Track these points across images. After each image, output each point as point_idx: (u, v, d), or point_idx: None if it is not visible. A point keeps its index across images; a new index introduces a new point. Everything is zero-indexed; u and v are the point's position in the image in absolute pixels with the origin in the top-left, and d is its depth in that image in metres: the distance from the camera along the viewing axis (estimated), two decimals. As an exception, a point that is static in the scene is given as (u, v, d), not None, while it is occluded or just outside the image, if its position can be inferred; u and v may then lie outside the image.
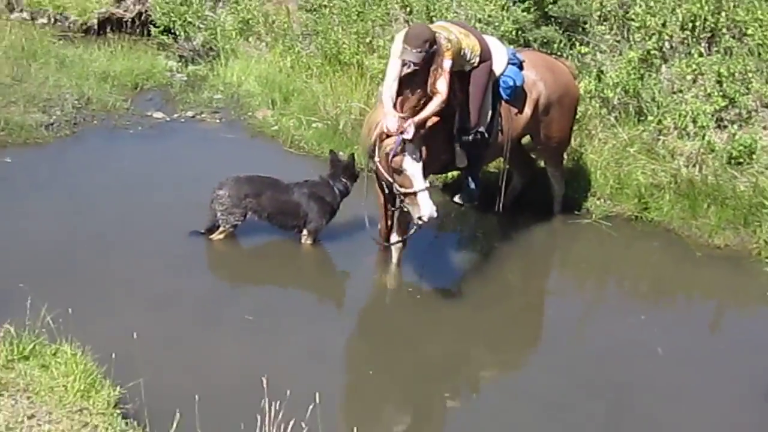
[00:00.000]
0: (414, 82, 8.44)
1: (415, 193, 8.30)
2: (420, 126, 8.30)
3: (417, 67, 8.27)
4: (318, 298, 9.04)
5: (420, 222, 8.40)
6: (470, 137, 8.81)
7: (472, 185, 9.14)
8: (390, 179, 8.44)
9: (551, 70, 9.64)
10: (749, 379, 7.84)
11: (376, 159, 8.54)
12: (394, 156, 8.22)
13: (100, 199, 10.00)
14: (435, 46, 8.28)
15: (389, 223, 9.21)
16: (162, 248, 9.17)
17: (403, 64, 8.32)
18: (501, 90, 9.05)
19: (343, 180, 9.51)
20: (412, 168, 8.26)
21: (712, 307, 9.37)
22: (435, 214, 8.33)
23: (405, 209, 8.55)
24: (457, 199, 9.34)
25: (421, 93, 8.41)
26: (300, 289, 9.11)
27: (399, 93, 8.44)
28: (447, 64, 8.40)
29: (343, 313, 8.90)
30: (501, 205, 9.63)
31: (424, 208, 8.28)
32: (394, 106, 8.35)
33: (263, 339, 8.00)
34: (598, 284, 9.75)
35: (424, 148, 8.36)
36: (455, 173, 9.93)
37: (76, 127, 11.78)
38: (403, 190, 8.37)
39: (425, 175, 8.47)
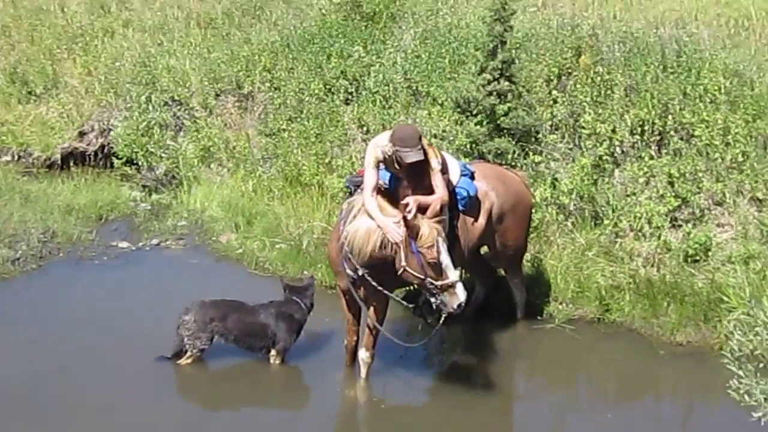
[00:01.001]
0: (402, 187, 8.73)
1: (453, 284, 8.39)
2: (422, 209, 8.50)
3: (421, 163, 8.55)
4: (288, 416, 9.08)
5: (454, 310, 8.48)
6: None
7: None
8: (422, 277, 8.45)
9: (502, 180, 9.84)
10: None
11: (402, 262, 8.51)
12: (430, 249, 8.33)
13: (67, 331, 10.04)
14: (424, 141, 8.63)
15: (355, 338, 9.30)
16: (131, 376, 9.21)
17: (406, 166, 8.57)
18: (456, 201, 9.19)
19: (308, 297, 9.61)
20: (447, 259, 8.38)
21: (676, 403, 9.46)
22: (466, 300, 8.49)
23: (435, 302, 8.57)
24: (420, 312, 9.31)
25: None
26: (270, 408, 9.18)
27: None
28: (436, 163, 8.72)
29: (314, 430, 8.91)
30: (470, 314, 9.71)
31: (462, 294, 8.39)
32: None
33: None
34: (566, 387, 9.77)
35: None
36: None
37: (41, 261, 11.86)
38: (439, 283, 8.40)
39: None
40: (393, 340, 9.17)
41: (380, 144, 8.77)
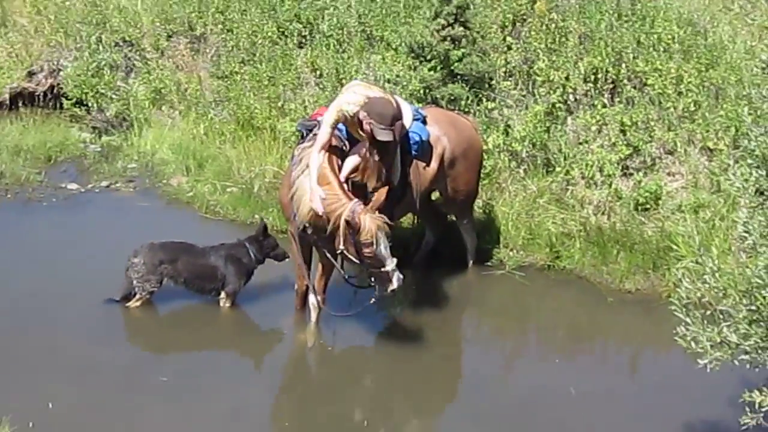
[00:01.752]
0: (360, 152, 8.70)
1: (389, 272, 8.48)
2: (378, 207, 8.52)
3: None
4: (238, 359, 9.07)
5: (388, 293, 8.63)
6: None
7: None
8: (358, 262, 8.59)
9: (454, 125, 9.80)
10: (660, 417, 8.05)
11: (340, 245, 8.53)
12: (368, 246, 8.37)
13: (14, 273, 9.93)
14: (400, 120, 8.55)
15: (306, 283, 9.27)
16: (79, 318, 9.14)
17: (376, 142, 8.44)
18: (409, 146, 9.15)
19: (259, 245, 9.56)
20: (386, 251, 8.43)
21: (624, 350, 9.55)
22: (402, 283, 8.55)
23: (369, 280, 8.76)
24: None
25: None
26: (219, 351, 9.14)
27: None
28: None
29: (264, 373, 8.96)
30: (420, 260, 9.67)
31: (396, 282, 8.51)
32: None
33: (184, 403, 8.01)
34: (515, 333, 9.85)
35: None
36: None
37: (-11, 202, 11.72)
38: (375, 270, 8.52)
39: None
40: (328, 311, 9.23)
41: (346, 108, 8.56)
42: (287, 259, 9.61)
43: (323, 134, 8.61)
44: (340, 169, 8.60)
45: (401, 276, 8.51)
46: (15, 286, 9.68)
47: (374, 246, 8.32)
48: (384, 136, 8.34)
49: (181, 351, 9.10)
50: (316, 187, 8.46)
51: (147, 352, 9.11)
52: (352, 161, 8.69)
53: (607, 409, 8.22)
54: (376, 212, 8.38)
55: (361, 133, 8.59)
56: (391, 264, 8.45)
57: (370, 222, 8.27)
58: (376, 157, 8.55)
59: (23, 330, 8.90)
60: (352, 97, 8.52)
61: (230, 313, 9.51)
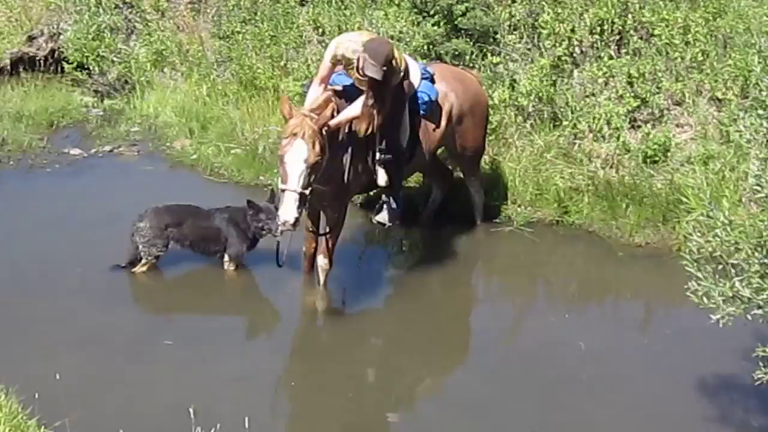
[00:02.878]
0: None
1: (283, 191, 8.12)
2: (335, 128, 8.34)
3: (375, 82, 8.30)
4: (245, 323, 9.06)
5: (281, 227, 8.26)
6: (391, 156, 8.81)
7: (394, 204, 9.09)
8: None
9: (460, 81, 9.70)
10: (671, 372, 8.00)
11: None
12: (283, 144, 8.12)
13: (19, 239, 9.88)
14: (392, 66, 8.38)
15: (314, 245, 9.22)
16: (84, 284, 9.08)
17: (362, 77, 8.32)
18: (417, 105, 9.07)
19: (261, 218, 9.41)
20: (293, 164, 8.05)
21: (635, 305, 9.46)
22: (291, 226, 8.09)
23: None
24: (379, 218, 9.21)
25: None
26: (226, 315, 9.11)
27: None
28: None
29: (271, 336, 8.91)
30: (428, 218, 9.54)
31: (283, 211, 8.08)
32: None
33: (191, 368, 7.95)
34: (524, 289, 9.79)
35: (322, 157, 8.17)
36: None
37: (-8, 169, 11.66)
38: (280, 185, 8.24)
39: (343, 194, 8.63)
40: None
41: (343, 44, 8.58)
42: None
43: (322, 68, 8.63)
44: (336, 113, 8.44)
45: (294, 217, 7.99)
46: (19, 253, 9.62)
47: (285, 146, 8.08)
48: (371, 71, 8.16)
49: (187, 315, 9.04)
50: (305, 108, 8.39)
51: (154, 317, 9.05)
52: (351, 109, 8.58)
53: (618, 364, 8.18)
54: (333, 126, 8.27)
55: (358, 76, 8.48)
56: (290, 185, 8.02)
57: (298, 120, 8.06)
58: (370, 101, 8.39)
59: (28, 298, 8.84)
60: (352, 34, 8.47)
61: (237, 278, 9.45)
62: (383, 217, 9.17)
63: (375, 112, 8.44)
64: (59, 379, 6.75)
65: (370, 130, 8.51)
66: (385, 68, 8.20)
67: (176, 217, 9.36)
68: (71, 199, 11.00)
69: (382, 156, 8.82)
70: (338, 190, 8.74)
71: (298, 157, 8.01)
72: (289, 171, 8.04)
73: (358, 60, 8.29)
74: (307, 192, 8.07)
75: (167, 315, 9.05)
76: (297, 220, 8.05)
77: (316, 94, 8.57)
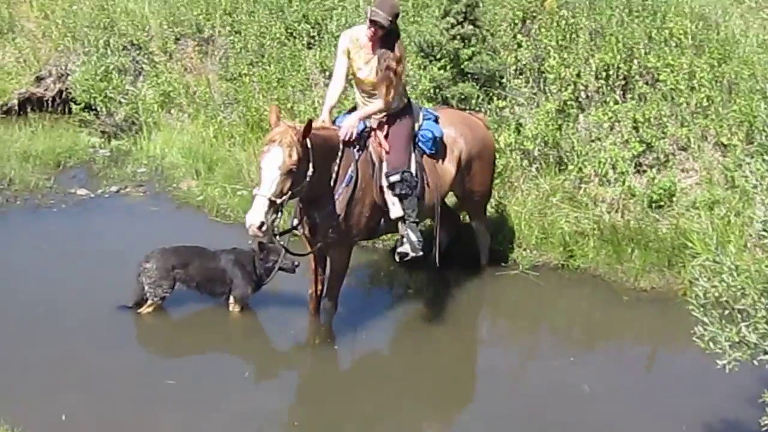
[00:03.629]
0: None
1: (254, 196, 8.13)
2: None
3: (382, 30, 8.61)
4: (250, 364, 8.97)
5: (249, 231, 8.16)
6: (399, 176, 8.77)
7: (413, 236, 9.02)
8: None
9: (468, 125, 9.74)
10: (677, 417, 7.96)
11: None
12: (263, 150, 8.18)
13: (26, 279, 9.88)
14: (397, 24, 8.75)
15: (320, 287, 9.22)
16: (90, 325, 9.06)
17: (371, 23, 8.63)
18: (422, 144, 9.12)
19: (269, 260, 9.45)
20: (268, 169, 8.07)
21: (640, 349, 9.43)
22: (256, 230, 7.99)
23: None
24: (401, 250, 9.13)
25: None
26: (232, 356, 9.07)
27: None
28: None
29: (276, 378, 8.87)
30: (437, 260, 9.55)
31: (250, 214, 8.03)
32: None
33: (197, 409, 7.94)
34: (529, 332, 9.77)
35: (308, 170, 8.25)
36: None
37: (-1, 208, 11.69)
38: (254, 190, 8.24)
39: (352, 233, 8.72)
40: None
41: (350, 32, 9.07)
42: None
43: (337, 66, 9.12)
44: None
45: (259, 221, 7.92)
46: (26, 292, 9.63)
47: (262, 155, 8.14)
48: (375, 15, 8.54)
49: (193, 357, 9.00)
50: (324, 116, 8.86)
51: (159, 358, 9.04)
52: (371, 107, 8.86)
53: (624, 408, 8.15)
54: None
55: (367, 34, 8.78)
56: (260, 191, 8.02)
57: (281, 129, 8.11)
58: (384, 60, 8.72)
59: (35, 337, 8.83)
60: (362, 26, 8.97)
61: (243, 319, 9.44)
62: (405, 248, 9.11)
63: (392, 74, 8.69)
64: (65, 420, 6.73)
65: (393, 93, 8.74)
66: (390, 19, 8.55)
67: (182, 258, 9.36)
68: (77, 239, 11.00)
69: (389, 179, 8.80)
70: (344, 231, 8.75)
71: (273, 164, 8.03)
72: (263, 176, 8.08)
73: (366, 13, 8.73)
74: (278, 200, 8.06)
75: (172, 356, 9.04)
76: (263, 224, 7.98)
77: (332, 92, 9.00)
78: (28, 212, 11.74)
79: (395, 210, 8.92)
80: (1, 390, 7.06)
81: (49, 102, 15.41)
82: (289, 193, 8.12)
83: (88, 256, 10.41)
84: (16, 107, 15.28)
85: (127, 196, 12.41)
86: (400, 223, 9.06)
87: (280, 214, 8.20)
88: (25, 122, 14.60)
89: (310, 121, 8.21)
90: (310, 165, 8.21)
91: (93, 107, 14.51)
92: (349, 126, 8.73)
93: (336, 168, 8.58)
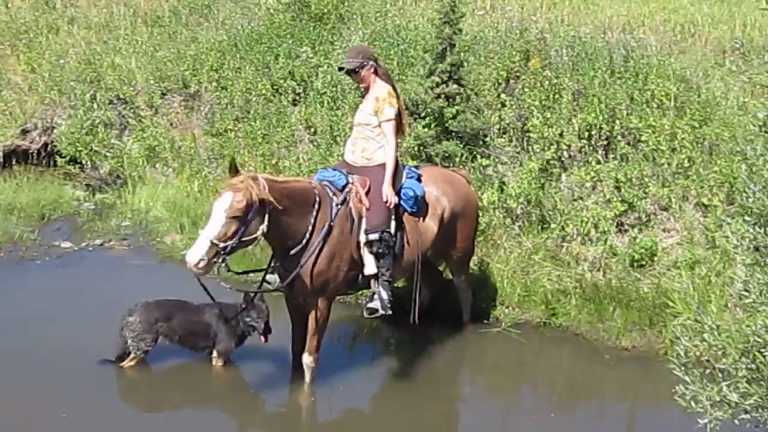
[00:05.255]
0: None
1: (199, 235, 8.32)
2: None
3: (354, 74, 9.02)
4: (233, 421, 8.96)
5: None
6: (377, 235, 8.83)
7: (384, 294, 9.05)
8: None
9: (450, 183, 9.80)
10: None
11: None
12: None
13: (7, 333, 9.83)
14: (372, 62, 9.00)
15: (299, 342, 9.23)
16: (73, 380, 9.02)
17: (339, 69, 9.22)
18: (403, 202, 9.16)
19: (252, 315, 9.47)
20: (215, 212, 8.25)
21: (622, 407, 9.43)
22: (193, 266, 8.18)
23: None
24: (371, 305, 9.17)
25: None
26: (215, 412, 9.03)
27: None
28: (388, 110, 8.95)
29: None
30: (416, 317, 9.58)
31: (189, 251, 8.28)
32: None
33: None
34: (511, 390, 9.75)
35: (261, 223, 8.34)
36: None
37: (-18, 261, 11.67)
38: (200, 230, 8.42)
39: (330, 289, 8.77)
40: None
41: None
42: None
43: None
44: None
45: (197, 258, 8.14)
46: (7, 345, 9.59)
47: (215, 199, 8.39)
48: (346, 63, 9.10)
49: (175, 412, 8.98)
50: None
51: (141, 413, 8.99)
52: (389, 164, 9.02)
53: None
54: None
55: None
56: (207, 232, 8.23)
57: (242, 178, 8.27)
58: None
59: (15, 391, 8.80)
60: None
61: (225, 373, 9.42)
62: (375, 304, 9.13)
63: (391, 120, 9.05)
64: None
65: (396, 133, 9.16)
66: (356, 60, 8.97)
67: (166, 311, 9.35)
68: (61, 292, 11.02)
69: (368, 237, 8.86)
70: (322, 285, 8.78)
71: (220, 207, 8.22)
72: (211, 218, 8.27)
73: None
74: (221, 244, 8.17)
75: (155, 411, 8.99)
76: (200, 262, 8.16)
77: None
78: (12, 264, 11.75)
79: (369, 267, 8.97)
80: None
81: (35, 155, 15.50)
82: (235, 239, 8.22)
83: (71, 309, 10.41)
84: (1, 159, 15.33)
85: (111, 249, 12.45)
86: (372, 280, 9.11)
87: (221, 257, 8.28)
88: (10, 174, 14.68)
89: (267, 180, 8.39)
90: (265, 217, 8.32)
91: (78, 160, 14.58)
92: (388, 193, 8.92)
93: (312, 221, 8.64)
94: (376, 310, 9.16)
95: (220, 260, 8.28)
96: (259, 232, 8.34)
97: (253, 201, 8.18)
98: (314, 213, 8.65)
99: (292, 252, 8.63)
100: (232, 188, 8.20)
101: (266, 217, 8.31)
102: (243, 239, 8.28)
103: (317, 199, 8.70)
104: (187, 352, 9.50)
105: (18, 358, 9.38)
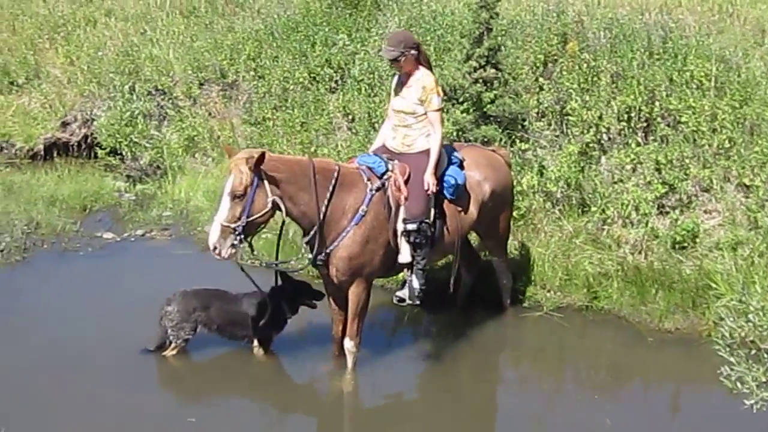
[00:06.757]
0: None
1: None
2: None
3: (395, 62, 8.91)
4: (275, 408, 8.98)
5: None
6: (415, 225, 8.80)
7: (415, 283, 9.06)
8: None
9: (493, 167, 9.75)
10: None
11: None
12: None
13: (52, 323, 9.93)
14: (414, 51, 8.89)
15: (340, 328, 9.26)
16: (116, 369, 9.08)
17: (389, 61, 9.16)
18: (444, 190, 9.11)
19: (293, 297, 9.52)
20: (224, 195, 8.37)
21: (665, 389, 9.38)
22: (215, 253, 8.39)
23: None
24: (399, 294, 9.21)
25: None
26: (257, 400, 9.05)
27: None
28: (436, 100, 8.97)
29: (298, 419, 8.88)
30: (459, 301, 9.52)
31: (209, 236, 8.43)
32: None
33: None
34: (554, 374, 9.73)
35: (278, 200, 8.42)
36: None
37: (25, 252, 11.78)
38: None
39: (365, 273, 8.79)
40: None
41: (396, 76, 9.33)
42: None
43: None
44: None
45: (215, 242, 8.34)
46: (52, 336, 9.68)
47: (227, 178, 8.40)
48: (384, 52, 9.05)
49: (218, 400, 8.97)
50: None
51: (183, 401, 9.01)
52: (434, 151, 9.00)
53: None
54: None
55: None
56: (219, 216, 8.36)
57: (235, 157, 8.42)
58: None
59: (61, 380, 8.87)
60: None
61: (266, 361, 9.44)
62: (403, 293, 9.16)
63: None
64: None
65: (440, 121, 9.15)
66: (396, 49, 8.81)
67: (204, 301, 9.38)
68: (103, 283, 11.10)
69: (406, 226, 8.84)
70: (356, 269, 8.79)
71: (225, 189, 8.37)
72: (220, 202, 8.39)
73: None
74: (231, 225, 8.30)
75: (197, 400, 9.01)
76: (216, 248, 8.37)
77: (382, 130, 9.51)
78: (55, 256, 11.84)
79: (405, 256, 8.95)
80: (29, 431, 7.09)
81: (75, 147, 15.65)
82: (243, 218, 8.32)
83: (114, 300, 10.47)
84: (42, 152, 15.48)
85: (153, 239, 12.53)
86: (406, 268, 9.13)
87: (238, 239, 8.38)
88: (51, 167, 14.82)
89: (262, 153, 8.37)
90: (268, 192, 8.36)
91: (118, 152, 14.68)
92: (430, 182, 8.89)
93: (346, 205, 8.68)
94: (404, 300, 9.19)
95: (237, 242, 8.39)
96: (268, 208, 8.40)
97: (248, 179, 8.27)
98: (329, 189, 8.65)
99: (313, 232, 8.65)
100: (232, 169, 8.33)
101: (269, 191, 8.37)
102: (251, 217, 8.35)
103: (335, 176, 8.70)
104: (228, 341, 9.53)
105: (61, 348, 9.44)
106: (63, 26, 17.56)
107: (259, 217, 8.41)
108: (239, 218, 8.30)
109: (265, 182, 8.35)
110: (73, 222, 12.70)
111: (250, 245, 8.75)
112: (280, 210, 8.51)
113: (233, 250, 8.40)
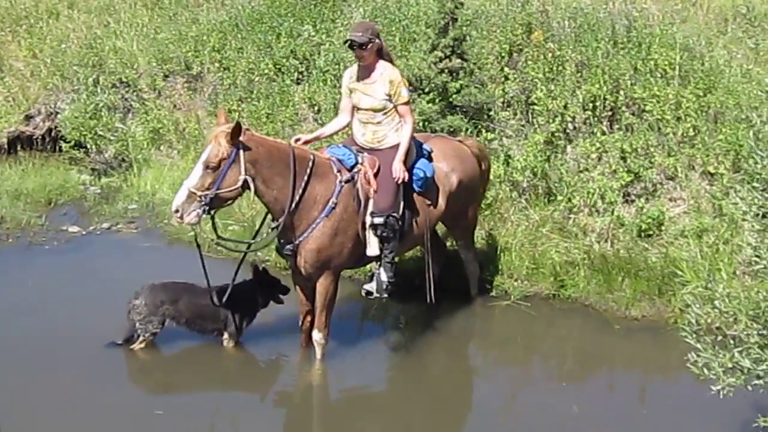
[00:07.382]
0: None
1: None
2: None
3: (360, 50, 8.82)
4: (244, 400, 8.96)
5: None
6: (382, 219, 8.82)
7: (384, 276, 9.07)
8: None
9: (460, 158, 9.75)
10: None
11: None
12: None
13: (17, 318, 9.84)
14: (378, 41, 8.88)
15: (309, 320, 9.25)
16: (82, 363, 9.01)
17: (345, 42, 9.01)
18: (413, 183, 9.11)
19: (267, 291, 9.53)
20: (199, 162, 8.41)
21: (632, 376, 9.46)
22: (177, 216, 8.47)
23: None
24: (367, 287, 9.22)
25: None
26: (225, 392, 9.05)
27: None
28: (405, 92, 8.94)
29: (268, 411, 8.87)
30: (431, 296, 9.55)
31: (174, 197, 8.47)
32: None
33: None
34: (522, 363, 9.76)
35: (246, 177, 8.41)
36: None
37: (-10, 247, 11.68)
38: None
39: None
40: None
41: (349, 70, 9.28)
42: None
43: (342, 101, 9.44)
44: None
45: (179, 203, 8.36)
46: (17, 331, 9.60)
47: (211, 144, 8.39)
48: (351, 35, 8.88)
49: (186, 393, 9.00)
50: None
51: (151, 395, 8.99)
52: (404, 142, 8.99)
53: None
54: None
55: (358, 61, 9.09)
56: (188, 180, 8.40)
57: (218, 128, 8.47)
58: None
59: (26, 374, 8.81)
60: None
61: (235, 353, 9.42)
62: (371, 286, 9.17)
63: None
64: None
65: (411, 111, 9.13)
66: (364, 35, 8.78)
67: (172, 294, 9.33)
68: (69, 276, 11.03)
69: (373, 219, 8.85)
70: (325, 261, 8.80)
71: (202, 157, 8.42)
72: (196, 169, 8.42)
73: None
74: (198, 193, 8.31)
75: (165, 392, 9.00)
76: (177, 211, 8.40)
77: (332, 124, 9.58)
78: (20, 250, 11.75)
79: (372, 249, 8.98)
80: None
81: (39, 140, 15.51)
82: (213, 189, 8.33)
83: (81, 293, 10.43)
84: (6, 146, 15.35)
85: (119, 232, 12.46)
86: (375, 261, 9.15)
87: (203, 208, 8.40)
88: (16, 161, 14.70)
89: (237, 123, 8.38)
90: (242, 169, 8.36)
91: (83, 145, 14.58)
92: (398, 169, 8.89)
93: (318, 195, 8.68)
94: (372, 293, 9.19)
95: (201, 211, 8.39)
96: (238, 185, 8.39)
97: (224, 153, 8.28)
98: (304, 178, 8.64)
99: (282, 219, 8.64)
100: (212, 139, 8.36)
101: (242, 170, 8.35)
102: (220, 190, 8.36)
103: (310, 165, 8.69)
104: (196, 334, 9.50)
105: (27, 342, 9.37)
106: (25, 18, 17.40)
107: (228, 192, 8.42)
108: (208, 188, 8.32)
109: (242, 160, 8.35)
110: (38, 216, 12.61)
111: (214, 226, 8.80)
112: (249, 189, 8.49)
113: (196, 219, 8.42)
